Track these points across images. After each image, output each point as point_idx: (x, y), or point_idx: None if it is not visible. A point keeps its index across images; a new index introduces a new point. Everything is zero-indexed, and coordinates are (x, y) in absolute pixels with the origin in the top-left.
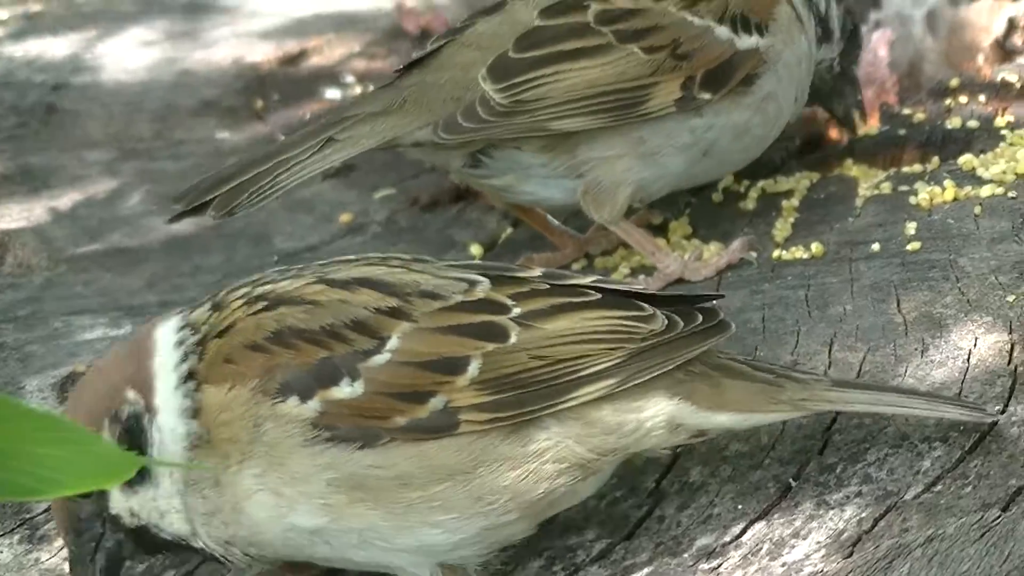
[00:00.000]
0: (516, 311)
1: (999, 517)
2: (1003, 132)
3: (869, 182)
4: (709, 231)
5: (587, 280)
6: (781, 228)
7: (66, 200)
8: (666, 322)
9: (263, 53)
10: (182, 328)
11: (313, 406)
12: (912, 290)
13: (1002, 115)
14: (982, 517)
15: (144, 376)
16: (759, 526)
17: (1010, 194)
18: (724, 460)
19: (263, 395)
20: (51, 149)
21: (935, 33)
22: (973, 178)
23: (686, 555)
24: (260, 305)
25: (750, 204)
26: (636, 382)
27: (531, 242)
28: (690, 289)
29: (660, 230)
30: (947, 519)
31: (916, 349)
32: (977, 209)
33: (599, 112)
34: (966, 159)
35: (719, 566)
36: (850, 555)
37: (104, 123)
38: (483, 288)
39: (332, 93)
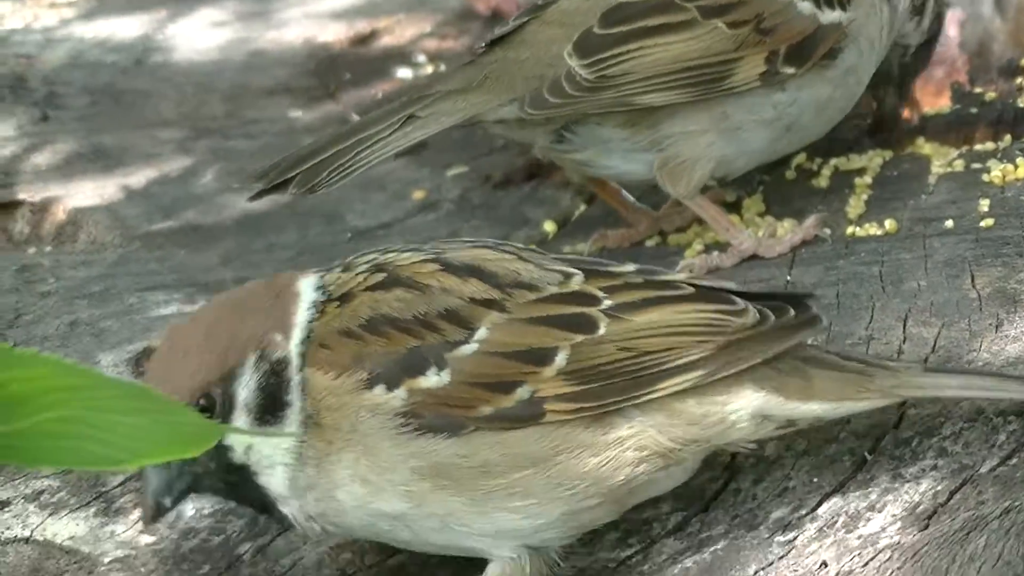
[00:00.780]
0: (607, 303)
1: None
2: None
3: (941, 160)
4: (783, 208)
5: (681, 276)
6: (854, 205)
7: (139, 178)
8: (758, 316)
9: (334, 33)
10: (318, 288)
11: (400, 395)
12: (986, 266)
13: None
14: None
15: (287, 327)
16: (835, 499)
17: None
18: (799, 434)
19: (356, 383)
20: (123, 128)
21: (1004, 13)
22: None
23: (762, 528)
24: (377, 279)
25: (823, 182)
26: (725, 374)
27: (605, 218)
28: (772, 275)
29: (734, 207)
30: (1023, 491)
31: (991, 324)
32: None
33: (683, 87)
34: None
35: (795, 539)
36: (926, 528)
37: (176, 103)
38: (577, 280)
39: (403, 73)
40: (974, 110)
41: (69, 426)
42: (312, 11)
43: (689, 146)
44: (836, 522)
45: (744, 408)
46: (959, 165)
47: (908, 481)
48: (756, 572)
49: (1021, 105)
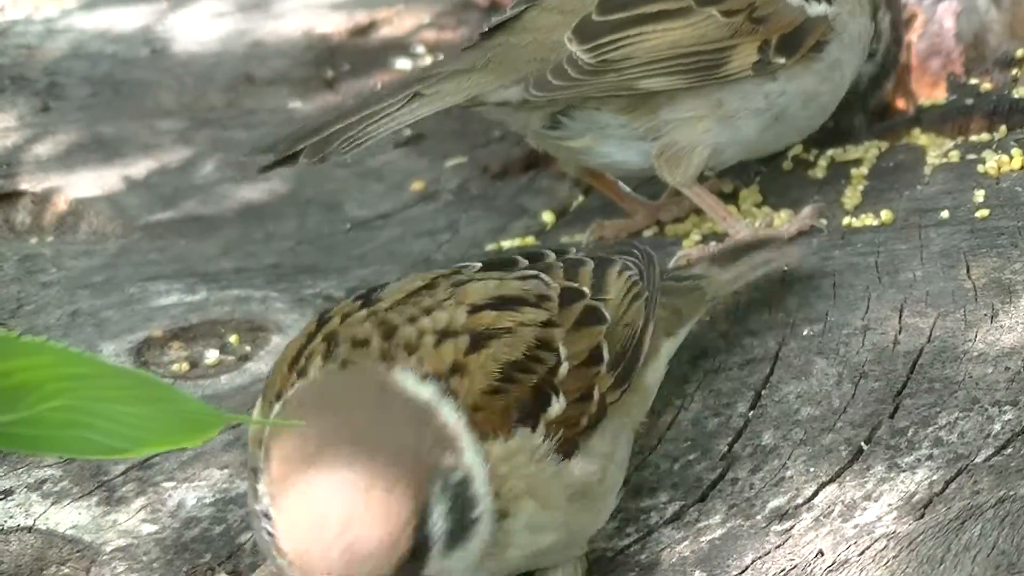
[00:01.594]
0: (588, 291)
1: None
2: None
3: (937, 151)
4: (779, 199)
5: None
6: (851, 196)
7: (139, 168)
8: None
9: (333, 24)
10: (424, 377)
11: (540, 431)
12: (981, 256)
13: None
14: None
15: (443, 436)
16: (831, 488)
17: None
18: (796, 424)
19: (510, 436)
20: (124, 119)
21: (999, 5)
22: None
23: (759, 517)
24: (464, 342)
25: (820, 173)
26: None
27: (603, 209)
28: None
29: (731, 198)
30: (1018, 481)
31: (986, 315)
32: None
33: (681, 73)
34: None
35: (791, 528)
36: (921, 517)
37: (176, 93)
38: (547, 281)
39: (402, 63)
40: (969, 101)
41: (72, 415)
42: (311, 2)
43: (686, 132)
44: (832, 511)
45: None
46: (955, 156)
47: (904, 471)
48: (753, 561)
49: (1016, 96)
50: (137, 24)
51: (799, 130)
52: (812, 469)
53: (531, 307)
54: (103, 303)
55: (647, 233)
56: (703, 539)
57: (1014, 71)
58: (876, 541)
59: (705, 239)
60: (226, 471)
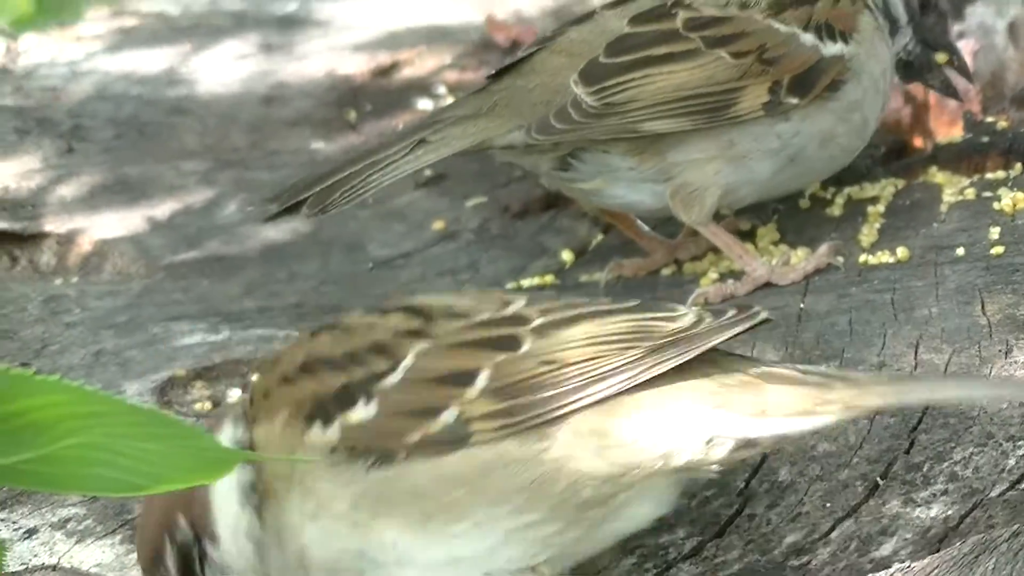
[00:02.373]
0: (537, 321)
1: None
2: None
3: (953, 188)
4: (796, 237)
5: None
6: (867, 233)
7: (163, 209)
8: (694, 319)
9: (356, 65)
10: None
11: (334, 431)
12: (996, 293)
13: None
14: None
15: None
16: (847, 524)
17: None
18: (812, 459)
19: (293, 426)
20: (148, 160)
21: (1017, 43)
22: None
23: (776, 552)
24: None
25: (836, 210)
26: (651, 375)
27: (622, 248)
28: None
29: (748, 236)
30: None
31: (1000, 351)
32: None
33: (688, 114)
34: None
35: (808, 562)
36: (937, 550)
37: (200, 134)
38: (516, 306)
39: (424, 104)
40: (986, 139)
41: (89, 452)
42: (334, 43)
43: (697, 174)
44: (849, 546)
45: (684, 427)
46: (970, 194)
47: (919, 505)
48: None
49: None
50: (161, 66)
51: (818, 171)
52: (828, 504)
53: (411, 316)
54: (127, 343)
55: (665, 272)
56: (721, 574)
57: None
58: (892, 575)
59: (723, 277)
60: None
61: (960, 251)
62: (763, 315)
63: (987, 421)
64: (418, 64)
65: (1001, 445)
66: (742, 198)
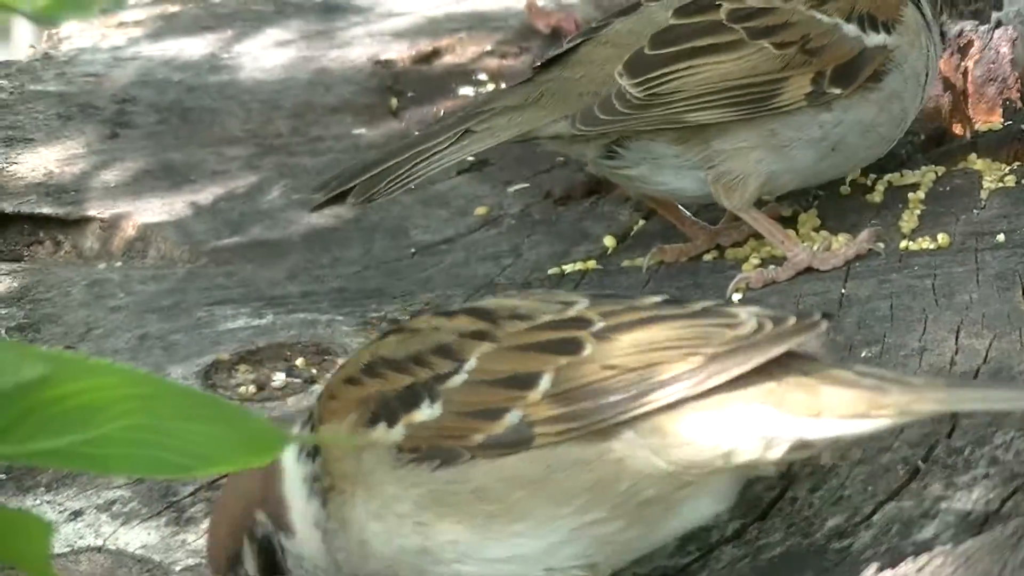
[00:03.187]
0: (599, 325)
1: None
2: None
3: (993, 175)
4: (837, 223)
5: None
6: (908, 220)
7: (207, 194)
8: (756, 326)
9: (397, 52)
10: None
11: (399, 431)
12: None
13: None
14: None
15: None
16: (889, 507)
17: None
18: (854, 443)
19: (359, 426)
20: (190, 145)
21: None
22: None
23: (818, 535)
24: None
25: (877, 197)
26: (713, 384)
27: (664, 233)
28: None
29: (790, 222)
30: None
31: None
32: None
33: (731, 105)
34: None
35: (850, 545)
36: (978, 534)
37: (242, 120)
38: (578, 308)
39: (465, 91)
40: None
41: (140, 434)
42: (375, 30)
43: (740, 162)
44: (891, 529)
45: (743, 427)
46: (1010, 180)
47: (961, 489)
48: None
49: None
50: (204, 52)
51: (859, 160)
52: (870, 488)
53: (476, 318)
54: (171, 327)
55: (707, 257)
56: (763, 556)
57: None
58: (934, 558)
59: (764, 263)
60: None
61: (1000, 237)
62: (824, 325)
63: None
64: (459, 51)
65: None
66: (783, 185)
